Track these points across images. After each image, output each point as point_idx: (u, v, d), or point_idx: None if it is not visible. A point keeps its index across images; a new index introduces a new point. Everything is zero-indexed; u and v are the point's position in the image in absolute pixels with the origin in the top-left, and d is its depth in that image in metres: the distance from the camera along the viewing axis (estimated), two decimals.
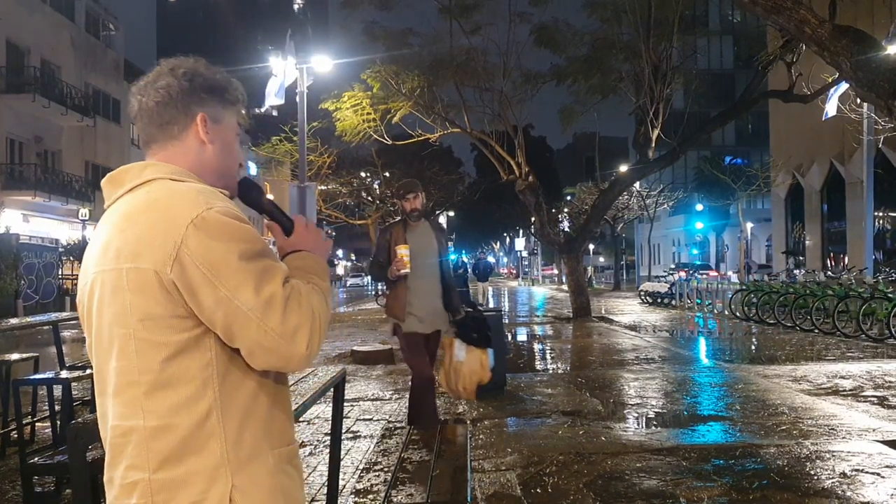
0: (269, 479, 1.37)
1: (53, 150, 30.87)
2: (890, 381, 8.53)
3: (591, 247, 66.73)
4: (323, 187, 23.78)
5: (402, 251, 5.03)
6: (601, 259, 75.03)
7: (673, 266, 42.29)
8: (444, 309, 5.32)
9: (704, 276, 31.24)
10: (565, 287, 25.34)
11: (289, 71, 17.07)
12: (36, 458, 4.45)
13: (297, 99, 17.71)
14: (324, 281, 1.49)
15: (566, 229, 38.98)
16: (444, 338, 5.35)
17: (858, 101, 16.98)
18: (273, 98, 16.88)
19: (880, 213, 29.93)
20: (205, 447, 1.31)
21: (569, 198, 54.26)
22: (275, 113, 17.92)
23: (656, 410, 7.11)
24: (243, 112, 1.59)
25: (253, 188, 1.60)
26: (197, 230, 1.30)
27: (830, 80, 14.96)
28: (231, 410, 1.34)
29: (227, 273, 1.29)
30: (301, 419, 6.19)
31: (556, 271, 55.35)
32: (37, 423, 6.19)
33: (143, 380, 1.31)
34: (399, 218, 5.45)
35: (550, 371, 9.98)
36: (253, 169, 43.12)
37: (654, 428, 6.39)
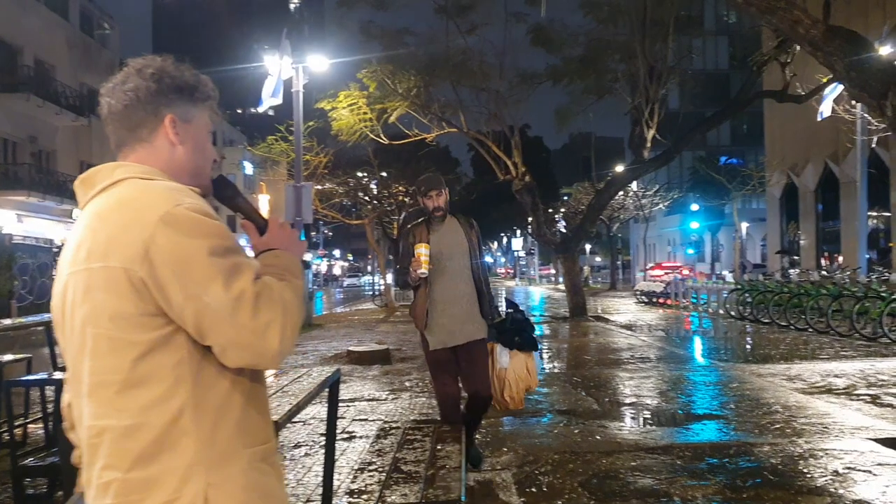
0: (244, 478, 1.36)
1: (48, 149, 30.78)
2: (883, 380, 8.56)
3: (588, 247, 66.78)
4: (319, 187, 23.74)
5: (421, 250, 4.51)
6: (597, 259, 75.08)
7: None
8: (481, 315, 4.67)
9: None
10: (562, 287, 25.39)
11: (285, 70, 17.06)
12: (28, 460, 4.44)
13: (293, 98, 17.71)
14: (297, 279, 1.48)
15: (563, 229, 39.01)
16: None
17: (852, 101, 17.03)
18: (270, 99, 16.88)
19: (874, 213, 30.01)
20: (178, 445, 1.31)
21: (565, 198, 54.25)
22: (271, 112, 17.90)
23: (651, 409, 7.13)
24: (216, 108, 1.59)
25: (227, 186, 1.59)
26: (166, 227, 1.29)
27: (825, 80, 15.01)
28: (204, 409, 1.33)
29: (197, 269, 1.29)
30: (296, 420, 6.19)
31: (553, 271, 55.42)
32: (29, 425, 6.17)
33: (114, 379, 1.31)
34: (421, 218, 4.89)
35: (546, 370, 9.99)
36: (249, 168, 43.07)
37: (648, 427, 6.41)
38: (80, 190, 1.45)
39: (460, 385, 4.73)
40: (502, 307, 5.12)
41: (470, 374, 4.61)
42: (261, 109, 17.65)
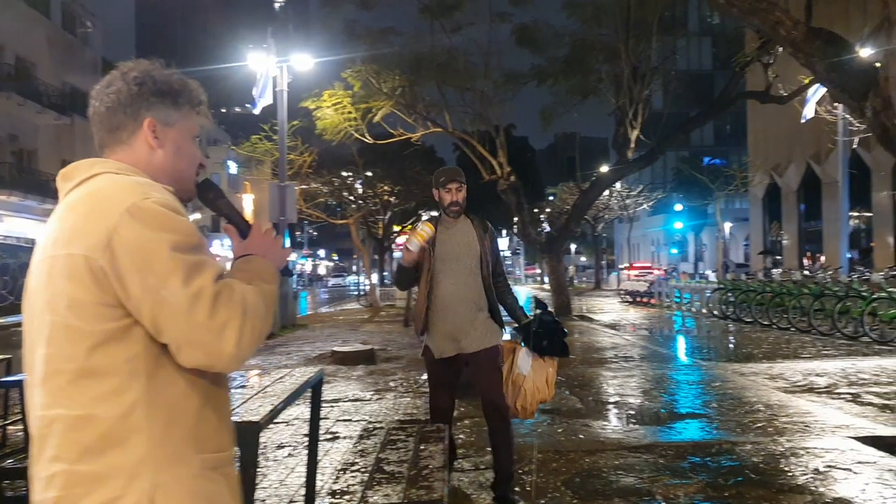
0: (193, 483, 1.34)
1: (29, 148, 30.49)
2: (863, 379, 8.64)
3: (573, 246, 67.06)
4: (304, 187, 23.67)
5: (423, 227, 4.06)
6: (582, 258, 75.41)
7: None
8: (490, 321, 4.21)
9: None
10: (547, 286, 25.44)
11: (270, 69, 17.03)
12: (7, 462, 4.40)
13: (278, 97, 17.64)
14: (268, 284, 1.47)
15: (548, 229, 39.14)
16: (504, 343, 4.34)
17: (834, 102, 17.18)
18: (261, 100, 16.91)
19: (855, 213, 30.32)
20: (127, 442, 1.29)
21: (550, 198, 54.44)
22: (256, 111, 17.84)
23: (634, 408, 7.16)
24: (200, 113, 1.58)
25: (211, 189, 1.60)
26: (131, 218, 1.29)
27: (806, 81, 15.13)
28: (158, 407, 1.32)
29: (157, 262, 1.28)
30: (280, 420, 6.17)
31: (538, 271, 55.57)
32: (8, 427, 6.11)
33: (68, 368, 1.30)
34: (431, 215, 4.30)
35: None
36: (233, 168, 42.86)
37: (632, 425, 6.44)
38: (60, 184, 1.46)
39: (455, 401, 4.41)
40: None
41: (479, 383, 4.22)
42: (256, 111, 17.70)
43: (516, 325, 4.36)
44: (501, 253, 4.55)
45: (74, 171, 1.45)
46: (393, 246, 35.33)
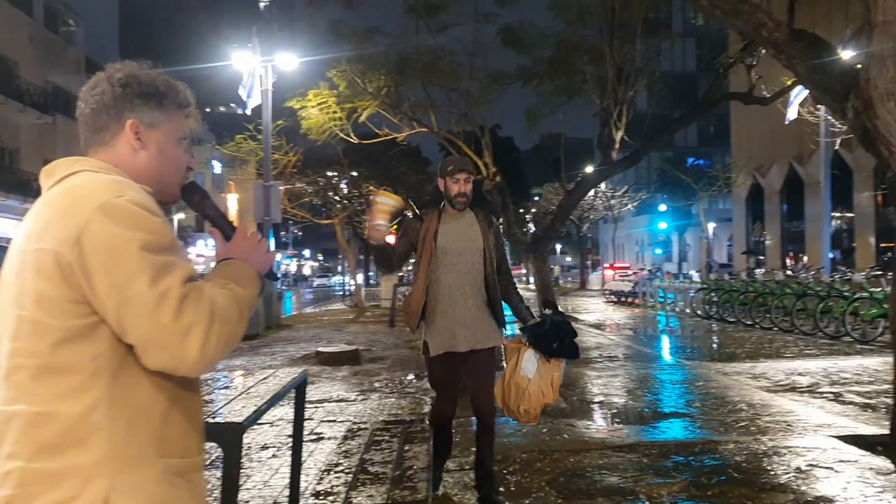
0: (153, 487, 1.32)
1: (11, 147, 30.18)
2: (845, 378, 8.72)
3: (559, 247, 67.19)
4: (289, 186, 23.57)
5: (385, 199, 3.81)
6: (568, 258, 75.62)
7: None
8: (491, 320, 4.09)
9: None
10: (533, 286, 25.48)
11: (256, 69, 17.00)
12: None
13: (262, 97, 17.59)
14: (245, 289, 1.45)
15: (533, 229, 39.23)
16: (508, 342, 4.21)
17: (816, 104, 17.34)
18: (250, 100, 16.92)
19: (837, 214, 30.60)
20: (87, 441, 1.28)
21: (536, 198, 54.55)
22: (240, 111, 17.83)
23: (619, 408, 7.19)
24: (188, 115, 1.57)
25: (196, 192, 1.59)
26: (103, 215, 1.29)
27: (789, 82, 15.24)
28: (120, 407, 1.30)
29: (126, 261, 1.27)
30: (264, 421, 6.14)
31: (524, 271, 55.65)
32: None
33: (31, 363, 1.28)
34: (432, 208, 4.22)
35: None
36: (217, 167, 42.63)
37: (616, 425, 6.47)
38: (42, 181, 1.46)
39: (456, 407, 4.21)
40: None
41: (471, 384, 4.09)
42: (247, 111, 17.72)
43: (521, 325, 4.16)
44: None
45: (56, 168, 1.45)
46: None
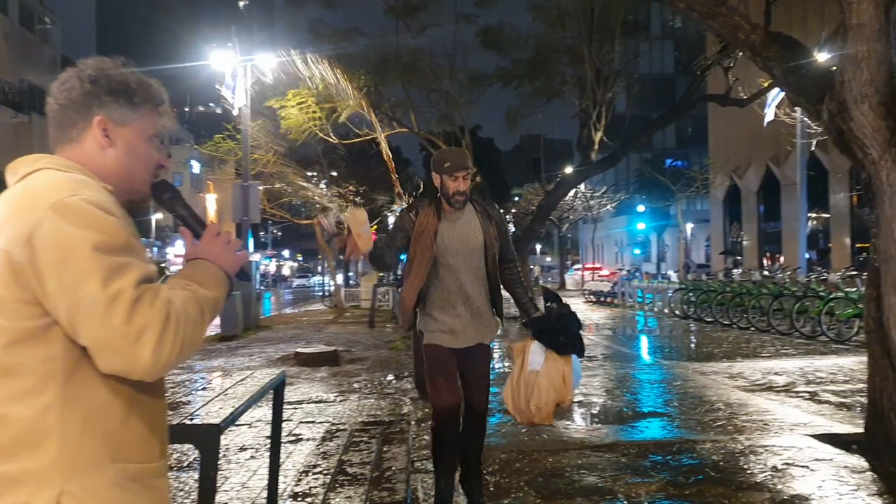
0: (107, 492, 1.29)
1: None
2: (821, 377, 8.82)
3: (538, 247, 67.46)
4: (267, 186, 23.43)
5: (353, 212, 3.67)
6: (548, 259, 75.90)
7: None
8: (491, 316, 3.99)
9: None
10: None
11: (237, 68, 16.95)
12: None
13: (243, 96, 17.50)
14: (209, 290, 1.42)
15: (513, 230, 39.33)
16: (514, 344, 4.04)
17: (792, 106, 17.53)
18: (237, 99, 16.90)
19: (813, 214, 30.96)
20: (40, 445, 1.25)
21: (516, 198, 54.69)
22: (218, 110, 17.75)
23: (597, 407, 7.22)
24: (162, 113, 1.54)
25: (166, 190, 1.56)
26: (55, 214, 1.26)
27: (765, 84, 15.40)
28: (74, 411, 1.28)
29: (77, 261, 1.24)
30: (242, 423, 6.09)
31: None
32: None
33: None
34: (426, 200, 3.99)
35: (494, 370, 10.05)
36: (196, 167, 42.32)
37: (594, 425, 6.49)
38: (7, 178, 1.44)
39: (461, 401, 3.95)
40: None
41: (465, 381, 3.94)
42: (235, 112, 17.73)
43: (525, 319, 3.91)
44: None
45: (20, 165, 1.42)
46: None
